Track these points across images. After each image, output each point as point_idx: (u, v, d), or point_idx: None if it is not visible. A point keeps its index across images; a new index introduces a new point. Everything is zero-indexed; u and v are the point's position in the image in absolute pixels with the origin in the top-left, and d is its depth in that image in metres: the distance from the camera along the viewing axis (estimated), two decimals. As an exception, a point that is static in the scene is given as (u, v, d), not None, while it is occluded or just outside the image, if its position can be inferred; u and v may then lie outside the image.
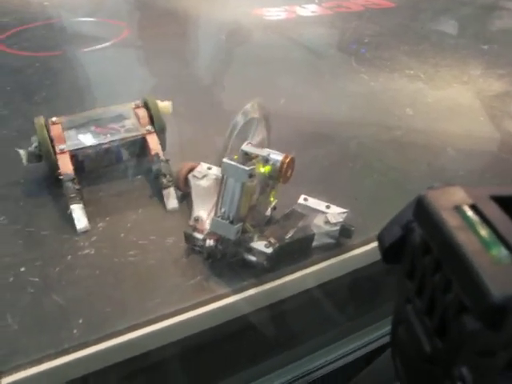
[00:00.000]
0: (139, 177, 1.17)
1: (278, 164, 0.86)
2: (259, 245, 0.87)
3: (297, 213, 0.97)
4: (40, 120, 1.09)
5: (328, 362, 1.05)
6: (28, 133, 1.11)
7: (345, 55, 2.03)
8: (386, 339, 1.06)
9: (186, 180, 1.05)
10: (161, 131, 1.15)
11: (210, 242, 0.87)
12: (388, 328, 1.07)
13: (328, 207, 0.97)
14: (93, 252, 0.94)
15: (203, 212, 0.94)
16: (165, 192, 1.06)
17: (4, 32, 2.13)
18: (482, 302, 0.26)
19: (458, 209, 0.31)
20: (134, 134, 1.14)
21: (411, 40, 2.15)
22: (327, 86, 1.72)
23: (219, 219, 0.84)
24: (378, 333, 1.12)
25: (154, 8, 2.57)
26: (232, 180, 0.82)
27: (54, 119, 1.12)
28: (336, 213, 0.95)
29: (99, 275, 0.89)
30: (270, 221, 0.98)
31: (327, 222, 0.94)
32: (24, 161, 1.08)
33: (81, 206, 1.00)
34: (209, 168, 1.04)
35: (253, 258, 0.87)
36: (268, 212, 0.98)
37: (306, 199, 0.99)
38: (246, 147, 0.85)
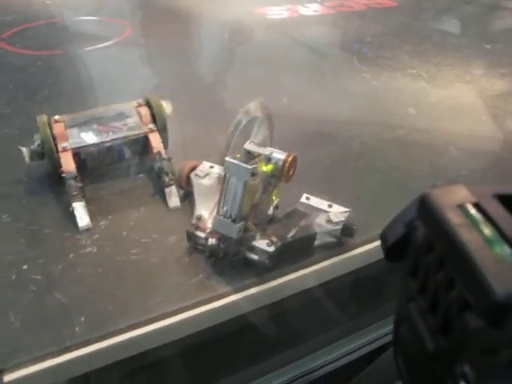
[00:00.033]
0: (141, 175, 1.17)
1: (281, 163, 0.86)
2: (261, 243, 0.87)
3: (299, 212, 0.97)
4: (43, 118, 1.09)
5: (329, 361, 1.06)
6: (30, 131, 1.11)
7: (347, 54, 2.03)
8: (387, 339, 1.06)
9: (188, 178, 1.04)
10: (163, 130, 1.15)
11: (212, 241, 0.87)
12: (389, 327, 1.07)
13: (330, 206, 0.97)
14: (95, 250, 0.95)
15: (205, 211, 0.94)
16: (167, 190, 1.06)
17: (7, 30, 2.13)
18: (485, 299, 0.26)
19: (461, 207, 0.31)
20: (137, 132, 1.14)
21: (413, 39, 2.15)
22: (329, 85, 1.72)
23: (221, 218, 0.84)
24: (379, 332, 1.12)
25: (157, 7, 2.57)
26: (234, 179, 0.82)
27: (56, 117, 1.12)
28: (338, 212, 0.95)
29: (101, 273, 0.89)
30: (272, 220, 0.98)
31: (329, 221, 0.94)
32: (26, 159, 1.08)
33: (83, 203, 1.00)
34: (211, 167, 1.04)
35: (255, 257, 0.87)
36: (270, 211, 0.98)
37: (308, 198, 0.99)
38: (248, 146, 0.85)
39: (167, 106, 1.18)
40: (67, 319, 0.80)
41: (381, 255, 0.96)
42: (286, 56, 1.94)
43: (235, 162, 0.81)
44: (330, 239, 0.95)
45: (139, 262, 0.92)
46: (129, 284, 0.88)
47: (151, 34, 2.23)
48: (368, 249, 0.97)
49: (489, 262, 0.27)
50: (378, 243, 0.96)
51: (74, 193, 1.01)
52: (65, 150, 1.07)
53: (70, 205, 1.01)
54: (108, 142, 1.11)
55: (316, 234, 0.93)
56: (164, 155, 1.10)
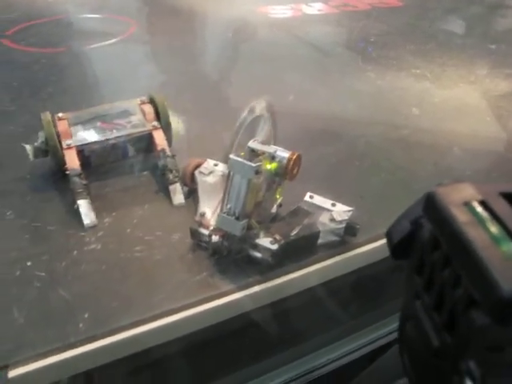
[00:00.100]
0: (145, 172, 1.17)
1: (285, 161, 0.86)
2: (264, 241, 0.87)
3: (302, 210, 0.97)
4: (47, 116, 1.10)
5: (331, 360, 1.06)
6: (35, 128, 1.12)
7: (351, 54, 2.03)
8: (389, 338, 1.06)
9: (193, 176, 1.05)
10: (166, 127, 1.16)
11: (215, 238, 0.88)
12: (391, 326, 1.07)
13: (334, 205, 0.97)
14: (99, 247, 0.95)
15: (209, 208, 0.94)
16: (171, 188, 1.07)
17: (11, 28, 2.13)
18: (491, 296, 0.26)
19: (467, 205, 0.31)
20: (140, 129, 1.14)
21: (418, 39, 2.15)
22: (334, 84, 1.72)
23: (225, 215, 0.84)
24: (381, 331, 1.12)
25: (161, 5, 2.57)
26: (238, 176, 0.82)
27: (60, 115, 1.12)
28: (342, 211, 0.95)
29: (105, 270, 0.90)
30: (275, 218, 0.98)
31: (333, 220, 0.94)
32: (30, 156, 1.08)
33: (88, 201, 1.01)
34: (215, 164, 1.04)
35: (258, 255, 0.87)
36: (274, 209, 0.98)
37: (311, 197, 0.99)
38: (252, 144, 0.85)
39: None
40: (71, 316, 0.80)
41: (383, 254, 0.96)
42: (290, 54, 1.94)
43: (239, 159, 0.81)
44: (334, 238, 0.95)
45: (143, 259, 0.92)
46: (133, 281, 0.88)
47: (155, 31, 2.24)
48: (371, 248, 0.97)
49: (495, 260, 0.27)
50: (381, 242, 0.97)
51: (79, 190, 1.01)
52: (69, 147, 1.07)
53: (74, 202, 1.01)
54: (112, 139, 1.11)
55: (319, 232, 0.93)
56: (168, 152, 1.10)
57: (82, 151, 1.09)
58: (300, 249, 0.92)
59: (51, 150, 1.07)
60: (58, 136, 1.08)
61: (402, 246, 0.37)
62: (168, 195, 1.07)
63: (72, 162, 1.05)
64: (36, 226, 1.00)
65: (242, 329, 0.93)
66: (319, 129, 1.38)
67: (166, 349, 0.85)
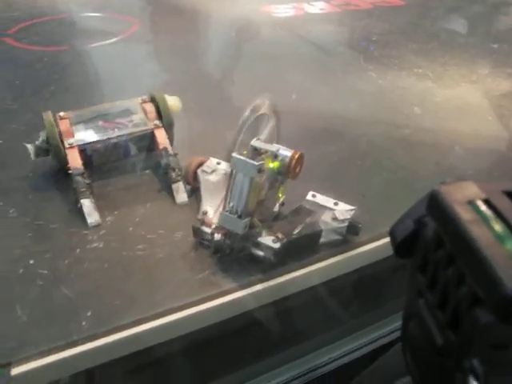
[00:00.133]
0: (147, 171, 1.18)
1: (287, 160, 0.86)
2: (267, 240, 0.87)
3: (305, 209, 0.97)
4: (48, 115, 1.09)
5: (333, 359, 1.06)
6: (37, 127, 1.12)
7: (353, 53, 2.03)
8: (391, 337, 1.06)
9: (195, 174, 1.05)
10: (168, 126, 1.16)
11: (217, 236, 0.88)
12: (393, 326, 1.07)
13: (336, 204, 0.97)
14: (101, 245, 0.95)
15: (212, 206, 0.94)
16: (174, 186, 1.07)
17: (13, 26, 2.14)
18: (495, 294, 0.26)
19: (471, 203, 0.31)
20: (142, 128, 1.14)
21: (420, 38, 2.15)
22: (336, 83, 1.72)
23: (227, 213, 0.84)
24: (383, 331, 1.12)
25: (163, 4, 2.58)
26: (241, 175, 0.82)
27: (61, 114, 1.12)
28: (344, 210, 0.96)
29: (108, 268, 0.90)
30: (277, 216, 0.98)
31: (335, 219, 0.94)
32: (32, 155, 1.08)
33: (91, 200, 1.01)
34: (218, 163, 1.05)
35: (260, 253, 0.87)
36: (276, 208, 0.98)
37: (314, 195, 0.99)
38: (255, 142, 0.86)
39: (176, 103, 1.18)
40: (74, 314, 0.80)
41: (385, 253, 0.96)
42: (292, 53, 1.95)
43: (242, 158, 0.81)
44: (336, 237, 0.95)
45: (145, 258, 0.92)
46: (135, 279, 0.88)
47: (157, 30, 2.24)
48: (373, 247, 0.97)
49: (500, 258, 0.27)
50: (383, 241, 0.97)
51: (82, 189, 1.01)
52: (71, 146, 1.07)
53: (76, 201, 1.01)
54: (114, 138, 1.11)
55: (321, 231, 0.94)
56: (170, 151, 1.10)
57: (84, 150, 1.09)
58: (302, 247, 0.92)
59: (53, 150, 1.08)
60: (60, 135, 1.08)
61: (405, 244, 0.37)
62: (170, 194, 1.08)
63: (74, 161, 1.05)
64: (39, 224, 1.01)
65: (243, 327, 0.94)
66: (321, 128, 1.38)
67: (169, 347, 0.85)
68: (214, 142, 1.24)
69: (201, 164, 1.05)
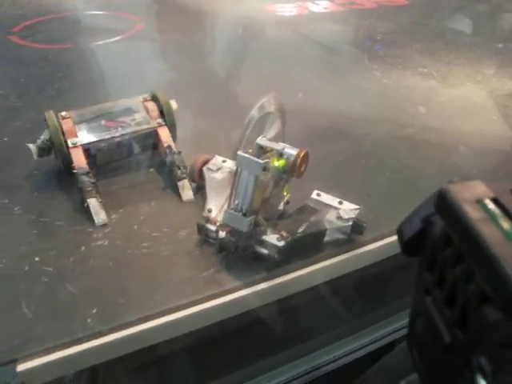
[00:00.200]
0: (151, 170, 1.18)
1: (292, 158, 0.87)
2: (271, 238, 0.87)
3: (309, 208, 0.97)
4: (51, 115, 1.09)
5: (338, 357, 1.06)
6: (41, 124, 1.12)
7: (357, 52, 2.03)
8: (397, 335, 1.06)
9: (201, 172, 1.05)
10: (171, 124, 1.16)
11: (222, 234, 0.88)
12: (396, 325, 1.07)
13: (341, 203, 0.97)
14: (106, 243, 0.95)
15: (217, 204, 0.95)
16: (179, 184, 1.07)
17: (18, 24, 2.15)
18: (504, 292, 0.26)
19: (479, 202, 0.31)
20: (145, 127, 1.14)
21: (425, 38, 2.14)
22: (340, 82, 1.72)
23: (232, 211, 0.84)
24: (386, 330, 1.12)
25: (168, 2, 2.58)
26: (246, 173, 0.82)
27: (63, 113, 1.12)
28: (348, 209, 0.96)
29: (113, 266, 0.90)
30: (282, 215, 0.98)
31: (339, 218, 0.94)
32: (34, 155, 1.09)
33: (97, 199, 1.01)
34: (223, 161, 1.05)
35: (264, 251, 0.87)
36: (281, 206, 0.98)
37: (318, 194, 0.99)
38: (260, 141, 0.86)
39: (173, 104, 1.18)
40: (79, 311, 0.81)
41: (390, 252, 0.96)
42: (297, 52, 1.95)
43: (247, 156, 0.81)
44: (340, 236, 0.95)
45: (150, 256, 0.92)
46: (140, 277, 0.88)
47: (161, 29, 2.25)
48: (377, 246, 0.97)
49: (508, 256, 0.27)
50: (387, 241, 0.97)
51: (88, 189, 1.01)
52: (75, 146, 1.07)
53: (82, 199, 1.02)
54: (117, 137, 1.11)
55: (326, 230, 0.94)
56: (174, 149, 1.10)
57: (88, 150, 1.09)
58: (306, 246, 0.92)
59: (57, 149, 1.07)
60: (63, 135, 1.08)
61: (412, 243, 0.37)
62: (175, 192, 1.08)
63: (79, 160, 1.05)
64: (44, 221, 1.01)
65: (247, 326, 0.94)
66: (325, 127, 1.38)
67: (173, 345, 0.85)
68: (219, 141, 1.24)
69: (206, 162, 1.06)
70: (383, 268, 1.01)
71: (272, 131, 0.91)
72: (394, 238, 0.39)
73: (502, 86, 1.71)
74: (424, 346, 0.35)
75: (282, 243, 0.86)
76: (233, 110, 1.38)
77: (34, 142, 1.09)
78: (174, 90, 1.22)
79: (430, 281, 0.34)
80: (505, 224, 0.29)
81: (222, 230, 0.88)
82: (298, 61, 1.86)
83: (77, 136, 1.09)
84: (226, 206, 0.87)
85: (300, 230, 0.91)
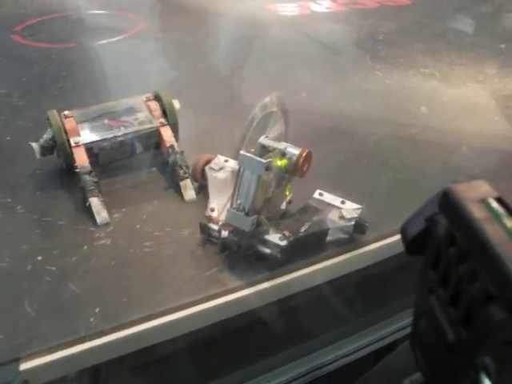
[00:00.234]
0: (153, 169, 1.18)
1: (295, 158, 0.87)
2: (274, 237, 0.87)
3: (312, 207, 0.97)
4: (54, 114, 1.09)
5: (340, 357, 1.06)
6: (43, 124, 1.12)
7: (360, 52, 2.03)
8: (396, 336, 1.06)
9: (203, 172, 1.05)
10: (173, 124, 1.16)
11: (225, 233, 0.88)
12: (398, 325, 1.07)
13: (343, 203, 0.97)
14: (109, 242, 0.95)
15: (219, 204, 0.95)
16: (182, 183, 1.07)
17: (21, 23, 2.15)
18: (508, 291, 0.26)
19: (483, 201, 0.31)
20: (148, 126, 1.14)
21: (427, 38, 2.14)
22: (342, 83, 1.72)
23: (235, 211, 0.84)
24: (388, 329, 1.12)
25: (169, 2, 2.59)
26: (248, 172, 0.82)
27: (66, 113, 1.12)
28: (351, 208, 0.96)
29: (115, 265, 0.90)
30: (284, 214, 0.98)
31: (342, 217, 0.94)
32: (37, 154, 1.09)
33: (99, 198, 1.01)
34: (226, 160, 1.05)
35: (267, 251, 0.88)
36: (283, 206, 0.98)
37: (321, 194, 0.99)
38: (263, 140, 0.86)
39: (175, 103, 1.18)
40: (82, 310, 0.81)
41: (392, 252, 0.96)
42: (299, 52, 1.95)
43: (250, 155, 0.81)
44: (343, 235, 0.95)
45: (153, 255, 0.92)
46: (142, 276, 0.88)
47: (163, 28, 2.25)
48: (379, 246, 0.97)
49: (512, 255, 0.27)
50: (389, 241, 0.97)
51: (91, 188, 1.01)
52: (77, 145, 1.07)
53: (84, 199, 1.02)
54: (120, 136, 1.11)
55: (328, 229, 0.94)
56: (177, 148, 1.10)
57: (91, 149, 1.09)
58: (309, 246, 0.92)
59: (60, 148, 1.08)
60: (66, 134, 1.08)
61: (416, 242, 0.37)
62: (177, 191, 1.08)
63: (81, 159, 1.05)
64: (46, 220, 1.01)
65: (249, 325, 0.94)
66: (328, 127, 1.38)
67: (175, 344, 0.86)
68: (221, 140, 1.24)
69: (208, 161, 1.06)
70: (385, 267, 1.01)
71: (274, 131, 0.91)
72: (396, 237, 0.39)
73: (504, 86, 1.70)
74: (428, 345, 0.36)
75: (284, 243, 0.86)
76: (235, 110, 1.38)
77: (36, 141, 1.09)
78: (176, 89, 1.22)
79: (434, 280, 0.34)
80: (509, 223, 0.29)
81: (225, 230, 0.88)
82: (300, 60, 1.86)
83: (79, 135, 1.09)
84: (228, 206, 0.88)
85: (302, 229, 0.91)
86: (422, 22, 2.36)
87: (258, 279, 0.87)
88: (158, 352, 0.86)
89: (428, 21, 2.38)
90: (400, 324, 1.11)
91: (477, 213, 0.30)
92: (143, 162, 1.18)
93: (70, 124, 1.10)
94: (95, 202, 1.00)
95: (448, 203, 0.32)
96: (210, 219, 0.92)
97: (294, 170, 0.87)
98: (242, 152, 0.82)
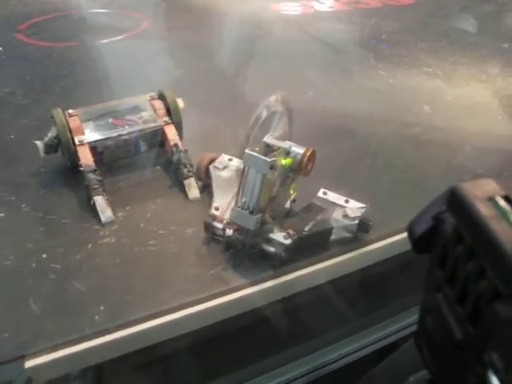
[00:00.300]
0: (157, 168, 1.18)
1: (299, 157, 0.87)
2: (278, 236, 0.87)
3: (316, 206, 0.97)
4: (59, 112, 1.10)
5: (343, 355, 1.06)
6: (47, 122, 1.12)
7: (363, 51, 2.03)
8: (399, 335, 1.06)
9: (207, 170, 1.05)
10: (177, 123, 1.16)
11: (229, 232, 0.88)
12: (401, 324, 1.07)
13: (347, 202, 0.97)
14: (113, 241, 0.95)
15: (223, 202, 0.95)
16: (186, 182, 1.07)
17: (24, 22, 2.15)
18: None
19: (491, 199, 0.31)
20: (152, 125, 1.14)
21: (430, 37, 2.14)
22: (345, 82, 1.72)
23: (239, 209, 0.85)
24: (391, 328, 1.12)
25: (172, 0, 2.59)
26: (253, 171, 0.83)
27: (70, 111, 1.12)
28: (355, 207, 0.96)
29: (119, 264, 0.90)
30: (289, 213, 0.98)
31: (346, 216, 0.94)
32: (41, 153, 1.09)
33: (104, 197, 1.01)
34: (230, 159, 1.05)
35: (271, 249, 0.88)
36: (287, 204, 0.98)
37: (325, 193, 1.00)
38: (268, 139, 0.86)
39: (179, 102, 1.18)
40: (86, 308, 0.81)
41: (395, 251, 0.96)
42: (302, 51, 1.94)
43: (254, 154, 0.82)
44: (346, 234, 0.95)
45: (157, 253, 0.93)
46: (146, 275, 0.89)
47: (167, 27, 2.25)
48: (383, 245, 0.97)
49: (520, 253, 0.27)
50: (392, 240, 0.97)
51: (95, 186, 1.01)
52: (82, 143, 1.07)
53: (88, 197, 1.02)
54: (124, 135, 1.12)
55: (332, 228, 0.94)
56: (181, 147, 1.11)
57: (95, 147, 1.09)
58: (313, 244, 0.93)
59: (64, 147, 1.08)
60: (70, 132, 1.08)
61: (423, 240, 0.37)
62: (181, 190, 1.08)
63: (86, 158, 1.05)
64: (51, 218, 1.01)
65: (252, 324, 0.94)
66: (331, 126, 1.38)
67: (178, 343, 0.86)
68: (226, 139, 1.25)
69: (213, 160, 1.06)
70: (388, 267, 1.01)
71: (279, 130, 0.91)
72: (400, 236, 0.40)
73: (507, 85, 1.70)
74: (434, 343, 0.36)
75: (288, 241, 0.87)
76: (239, 109, 1.38)
77: (40, 139, 1.09)
78: (180, 88, 1.22)
79: (441, 278, 0.35)
80: (516, 221, 0.30)
81: (229, 228, 0.88)
82: (303, 60, 1.85)
83: (84, 133, 1.09)
84: (232, 204, 0.88)
85: (306, 228, 0.91)
86: (425, 21, 2.36)
87: (263, 278, 0.87)
88: (160, 350, 0.86)
89: (431, 20, 2.38)
90: (403, 323, 1.11)
91: (484, 211, 0.30)
92: (147, 161, 1.18)
93: (74, 122, 1.10)
94: (100, 201, 1.00)
95: (455, 201, 0.32)
96: (215, 218, 0.93)
97: (299, 168, 0.88)
98: (246, 151, 0.82)
